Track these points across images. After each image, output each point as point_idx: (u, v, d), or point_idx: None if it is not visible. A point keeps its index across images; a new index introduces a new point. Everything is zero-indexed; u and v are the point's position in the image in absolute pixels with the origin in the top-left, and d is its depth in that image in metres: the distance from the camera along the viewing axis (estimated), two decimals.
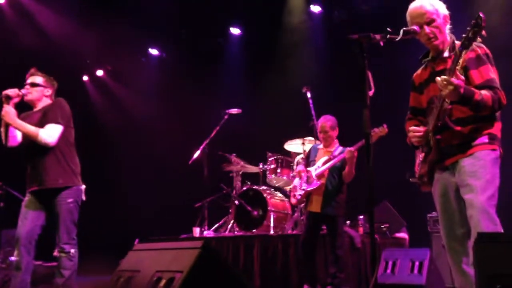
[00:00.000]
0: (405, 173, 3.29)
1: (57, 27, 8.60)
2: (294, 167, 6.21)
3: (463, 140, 2.85)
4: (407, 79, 3.38)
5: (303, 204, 5.38)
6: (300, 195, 5.09)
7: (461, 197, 2.85)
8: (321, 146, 5.20)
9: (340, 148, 5.04)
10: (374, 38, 2.63)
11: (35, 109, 4.18)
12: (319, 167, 5.01)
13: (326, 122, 5.05)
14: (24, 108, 4.22)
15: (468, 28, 2.56)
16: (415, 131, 2.98)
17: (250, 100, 8.20)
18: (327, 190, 4.92)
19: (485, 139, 2.84)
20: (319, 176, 4.98)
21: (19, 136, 4.07)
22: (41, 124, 3.98)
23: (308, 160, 5.25)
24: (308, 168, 5.12)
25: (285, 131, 6.81)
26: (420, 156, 3.10)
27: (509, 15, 6.44)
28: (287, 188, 6.53)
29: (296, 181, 5.28)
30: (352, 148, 4.77)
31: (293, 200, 5.30)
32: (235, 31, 9.16)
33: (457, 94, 2.65)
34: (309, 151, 5.36)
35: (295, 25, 8.66)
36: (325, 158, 5.01)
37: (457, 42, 2.89)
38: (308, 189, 5.00)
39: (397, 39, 2.71)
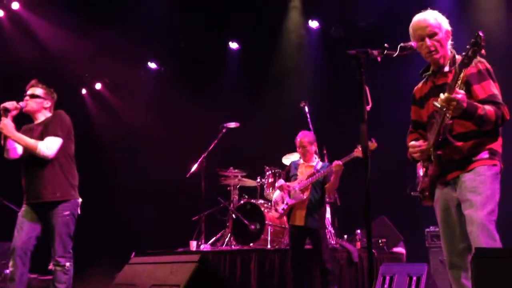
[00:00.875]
0: (405, 188, 3.29)
1: (55, 40, 8.63)
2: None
3: (464, 155, 2.85)
4: (405, 93, 3.39)
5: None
6: (283, 209, 5.13)
7: (462, 212, 2.84)
8: (301, 161, 5.27)
9: (321, 163, 5.15)
10: (372, 54, 2.65)
11: (36, 122, 4.17)
12: (302, 181, 5.06)
13: (304, 137, 5.14)
14: (24, 120, 4.21)
15: (467, 47, 2.57)
16: (415, 146, 2.99)
17: (248, 114, 8.22)
18: (310, 203, 4.98)
19: (485, 154, 2.84)
20: (303, 189, 5.04)
21: (19, 148, 4.06)
22: (42, 137, 3.97)
23: (289, 175, 5.30)
24: (289, 183, 5.17)
25: (283, 145, 6.82)
26: (422, 170, 3.10)
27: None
28: None
29: (276, 194, 5.32)
30: (340, 162, 4.85)
31: (276, 214, 5.34)
32: (233, 45, 9.22)
33: (460, 109, 2.65)
34: (289, 166, 5.42)
35: (293, 40, 8.73)
36: (309, 172, 5.07)
37: (458, 57, 2.91)
38: (292, 202, 5.03)
39: (394, 55, 2.73)
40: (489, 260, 2.06)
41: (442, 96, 2.65)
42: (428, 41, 2.94)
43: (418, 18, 3.01)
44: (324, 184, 5.03)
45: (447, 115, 2.74)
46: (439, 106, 2.67)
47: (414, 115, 3.22)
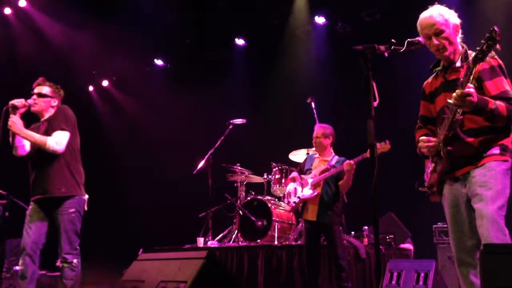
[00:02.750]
0: (412, 183, 3.27)
1: (62, 38, 8.68)
2: None
3: (474, 151, 2.83)
4: (413, 89, 3.37)
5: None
6: (294, 202, 5.10)
7: (471, 208, 2.82)
8: (317, 155, 5.20)
9: (336, 158, 5.03)
10: (379, 49, 2.64)
11: (42, 120, 4.19)
12: (315, 175, 5.01)
13: (319, 129, 5.06)
14: (30, 118, 4.23)
15: (482, 41, 2.52)
16: (425, 141, 2.96)
17: (254, 110, 8.22)
18: (322, 199, 4.91)
19: (496, 150, 2.82)
20: (315, 185, 4.97)
21: (27, 145, 4.09)
22: (47, 134, 3.99)
23: (304, 168, 5.25)
24: (304, 176, 5.12)
25: (290, 141, 6.82)
26: (430, 166, 3.08)
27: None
28: None
29: (290, 186, 5.28)
30: (352, 161, 4.73)
31: (287, 207, 5.30)
32: (239, 41, 9.21)
33: (471, 104, 2.62)
34: (305, 159, 5.37)
35: (299, 36, 8.70)
36: (322, 167, 5.00)
37: (470, 52, 2.88)
38: (304, 197, 5.00)
39: (401, 50, 2.71)
40: (498, 256, 2.05)
41: (456, 92, 2.62)
42: (434, 40, 2.90)
43: (424, 15, 2.96)
44: (338, 180, 4.91)
45: (459, 110, 2.71)
46: (452, 103, 2.64)
47: (423, 110, 3.19)
